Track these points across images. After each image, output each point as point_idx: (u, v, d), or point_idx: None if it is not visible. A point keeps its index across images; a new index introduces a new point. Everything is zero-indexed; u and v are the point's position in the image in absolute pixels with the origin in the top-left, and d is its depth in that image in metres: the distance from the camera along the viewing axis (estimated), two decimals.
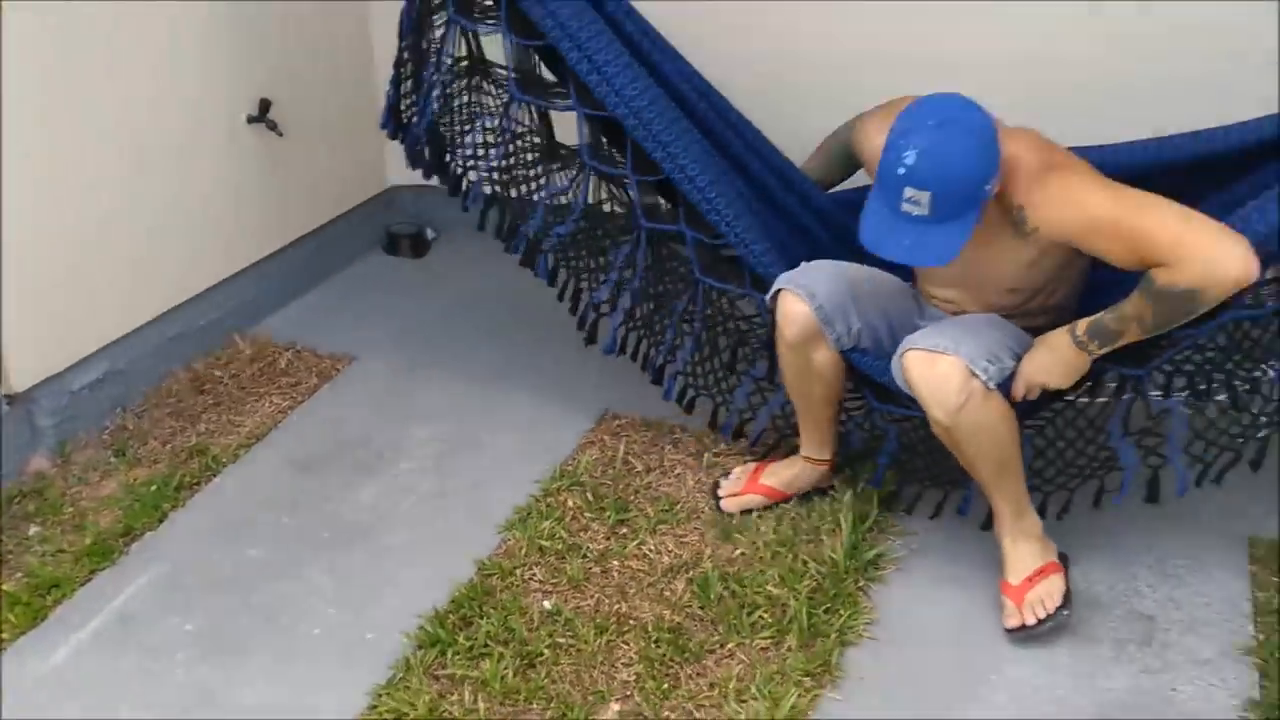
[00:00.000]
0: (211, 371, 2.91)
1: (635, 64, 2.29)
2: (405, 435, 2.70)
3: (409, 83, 2.59)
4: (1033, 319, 2.14)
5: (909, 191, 1.87)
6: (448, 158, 2.63)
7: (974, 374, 1.95)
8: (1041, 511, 2.21)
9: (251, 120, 2.98)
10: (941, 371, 1.96)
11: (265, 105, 2.99)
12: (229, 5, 2.85)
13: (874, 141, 2.08)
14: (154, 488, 2.49)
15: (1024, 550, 2.13)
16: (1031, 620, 2.08)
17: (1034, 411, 2.16)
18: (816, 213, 2.51)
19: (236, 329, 3.05)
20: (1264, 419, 2.04)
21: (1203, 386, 2.03)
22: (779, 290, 2.19)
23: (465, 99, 2.55)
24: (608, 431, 2.68)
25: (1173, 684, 2.00)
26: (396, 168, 3.54)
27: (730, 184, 2.34)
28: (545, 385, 2.86)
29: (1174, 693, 1.99)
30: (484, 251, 3.00)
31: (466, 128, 2.58)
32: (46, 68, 2.43)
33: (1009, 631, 2.09)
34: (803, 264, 2.24)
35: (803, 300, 2.15)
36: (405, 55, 2.58)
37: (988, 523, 2.23)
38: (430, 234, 3.59)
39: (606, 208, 2.47)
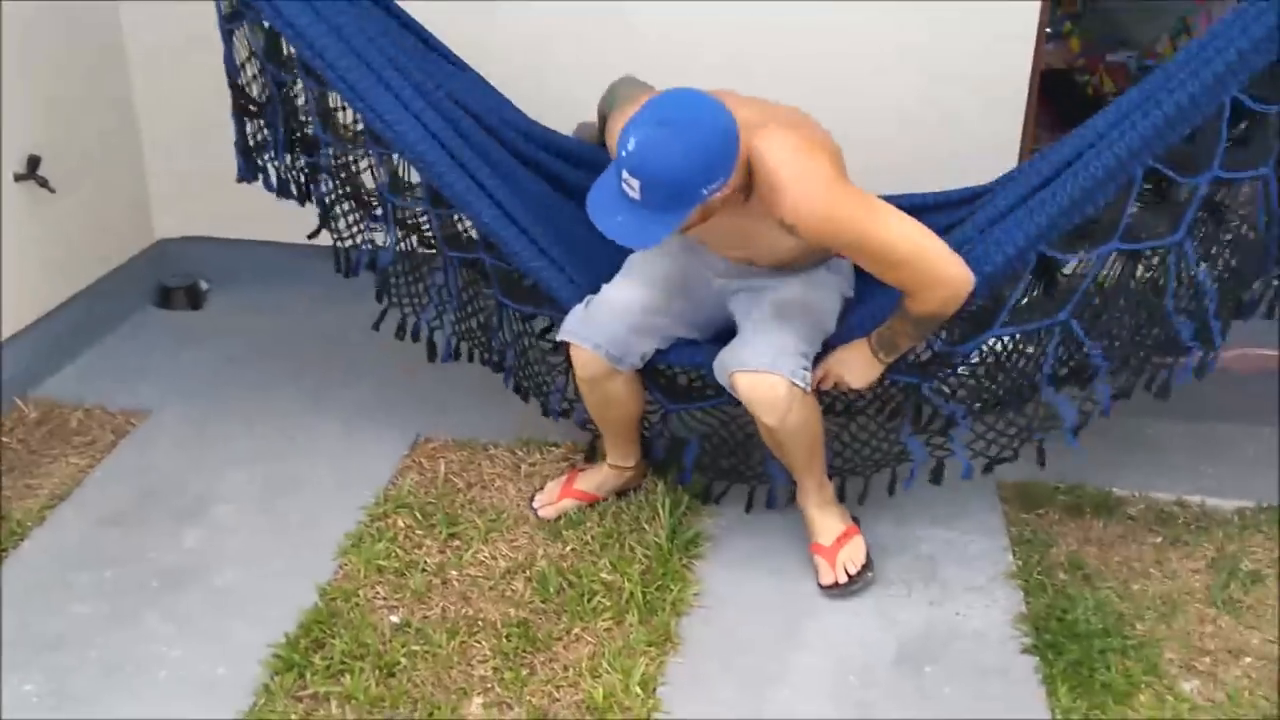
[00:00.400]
0: None
1: (411, 94, 2.42)
2: (219, 480, 2.70)
3: (256, 123, 2.65)
4: (822, 266, 2.35)
5: (625, 174, 1.93)
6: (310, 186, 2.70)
7: (794, 384, 2.19)
8: (841, 494, 2.50)
9: (19, 178, 2.90)
10: (768, 387, 2.18)
11: (34, 162, 2.92)
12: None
13: (617, 127, 2.13)
14: None
15: (830, 515, 2.42)
16: (844, 578, 2.35)
17: (833, 407, 2.45)
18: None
19: (17, 394, 2.94)
20: (1036, 424, 2.40)
21: (977, 403, 2.39)
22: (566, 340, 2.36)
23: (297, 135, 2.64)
24: (424, 455, 2.78)
25: (955, 610, 2.33)
26: (163, 221, 3.54)
27: (522, 203, 2.47)
28: (352, 417, 2.93)
29: (958, 617, 2.31)
30: (261, 298, 3.06)
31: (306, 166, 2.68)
32: None
33: (824, 588, 2.36)
34: (589, 300, 2.36)
35: (586, 349, 2.33)
36: (241, 99, 2.63)
37: (770, 501, 2.52)
38: (204, 285, 3.57)
39: (416, 239, 2.59)
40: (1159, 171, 2.14)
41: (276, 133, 2.62)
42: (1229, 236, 2.29)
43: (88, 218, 3.22)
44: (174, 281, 3.53)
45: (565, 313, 2.40)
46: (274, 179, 2.71)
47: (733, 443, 2.56)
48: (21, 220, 2.95)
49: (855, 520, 2.47)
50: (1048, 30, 5.35)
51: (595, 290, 2.39)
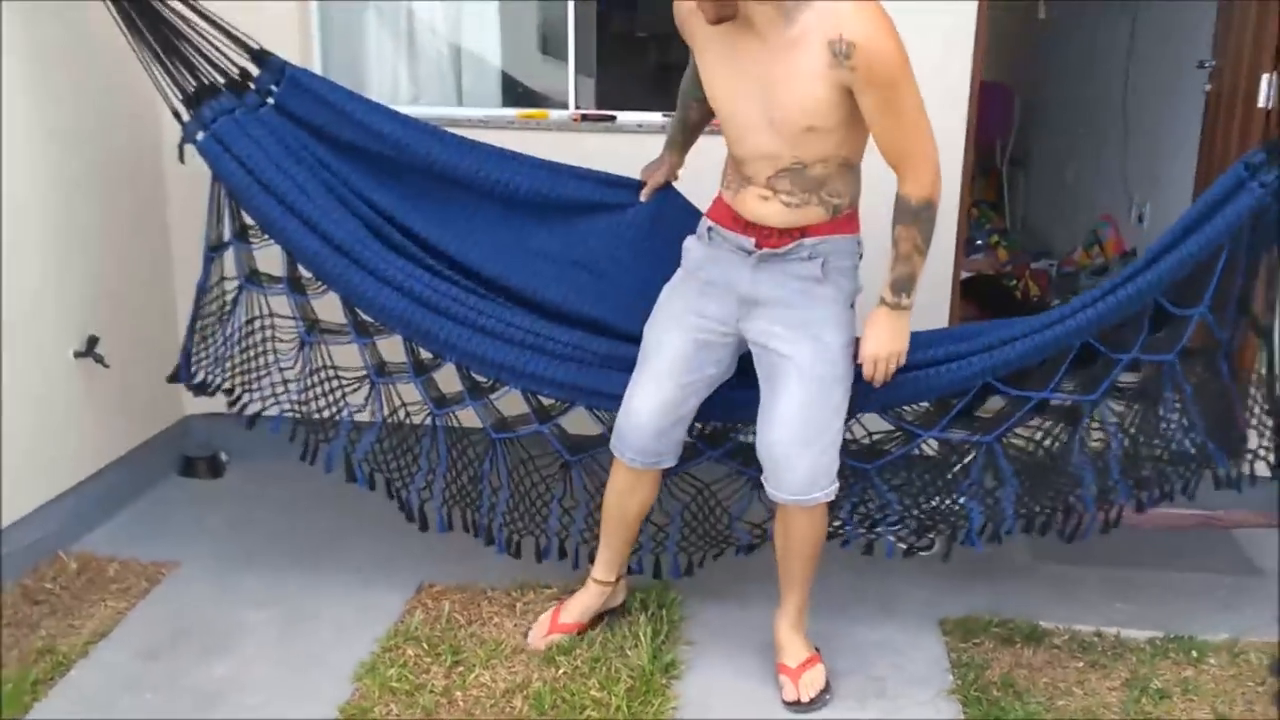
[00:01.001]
0: (42, 585, 3.12)
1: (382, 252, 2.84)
2: (243, 619, 3.01)
3: (210, 336, 3.11)
4: (819, 192, 2.45)
5: None
6: (245, 396, 3.12)
7: (826, 500, 2.57)
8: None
9: (79, 355, 3.32)
10: (807, 512, 2.59)
11: (93, 341, 3.34)
12: (58, 249, 3.23)
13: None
14: (9, 686, 2.67)
15: (798, 642, 2.77)
16: (806, 698, 2.68)
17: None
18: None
19: (60, 547, 3.26)
20: (950, 521, 2.85)
21: (908, 497, 2.84)
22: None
23: (259, 338, 3.09)
24: (429, 597, 3.11)
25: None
26: (190, 399, 3.93)
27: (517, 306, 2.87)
28: (363, 566, 3.26)
29: None
30: (277, 469, 3.44)
31: (263, 366, 3.11)
32: None
33: (787, 704, 2.68)
34: (626, 405, 2.65)
35: (627, 464, 2.70)
36: (200, 311, 3.10)
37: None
38: (224, 456, 3.94)
39: (402, 413, 3.01)
40: (1092, 345, 2.66)
41: (231, 345, 3.07)
42: (1138, 409, 2.79)
43: (126, 394, 3.61)
44: (197, 452, 3.90)
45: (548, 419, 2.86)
46: (205, 383, 3.14)
47: (706, 510, 2.96)
48: (73, 394, 3.34)
49: (817, 649, 2.81)
50: (978, 242, 6.05)
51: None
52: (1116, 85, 5.52)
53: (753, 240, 2.52)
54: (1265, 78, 3.50)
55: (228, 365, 3.12)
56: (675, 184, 3.02)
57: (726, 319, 2.60)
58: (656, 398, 2.62)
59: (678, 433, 2.69)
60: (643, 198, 2.97)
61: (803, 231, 2.49)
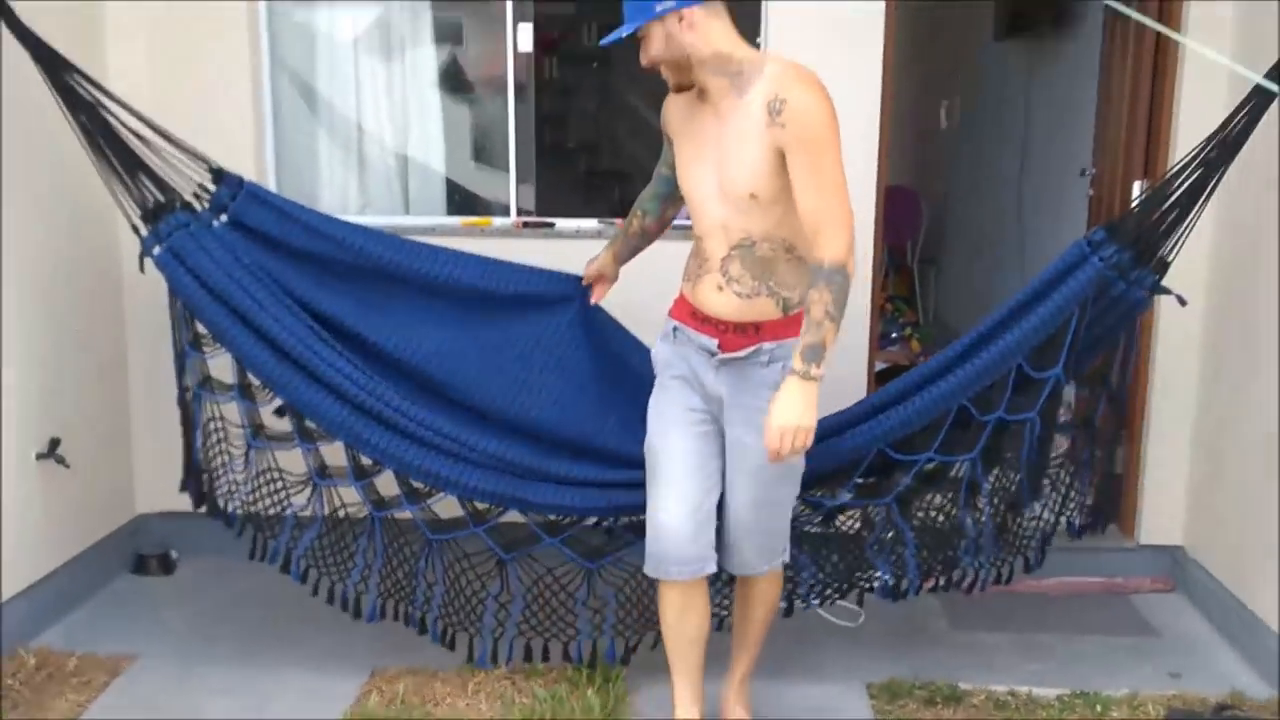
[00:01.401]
0: (2, 681, 3.19)
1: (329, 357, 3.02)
2: (203, 706, 3.12)
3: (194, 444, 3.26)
4: (768, 281, 2.57)
5: None
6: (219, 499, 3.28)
7: (782, 568, 2.84)
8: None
9: (40, 457, 3.44)
10: (768, 583, 2.87)
11: (55, 443, 3.47)
12: (20, 353, 3.38)
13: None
14: None
15: (742, 705, 2.99)
16: None
17: None
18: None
19: (18, 644, 3.35)
20: (859, 578, 3.12)
21: (819, 554, 3.12)
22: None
23: (214, 440, 3.24)
24: (383, 681, 3.25)
25: None
26: (143, 498, 4.06)
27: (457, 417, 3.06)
28: (318, 655, 3.39)
29: None
30: (226, 565, 3.61)
31: (219, 467, 3.26)
32: None
33: None
34: (653, 522, 2.72)
35: (674, 580, 2.74)
36: (189, 420, 3.25)
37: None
38: (174, 554, 4.04)
39: (343, 513, 3.18)
40: (966, 408, 2.93)
41: (202, 453, 3.23)
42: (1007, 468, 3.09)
43: (81, 494, 3.72)
44: (149, 550, 4.00)
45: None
46: (198, 495, 3.29)
47: (640, 592, 3.14)
48: (31, 494, 3.46)
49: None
50: (893, 334, 6.40)
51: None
52: (1012, 188, 5.96)
53: (716, 341, 2.63)
54: (1137, 184, 3.90)
55: (201, 472, 3.27)
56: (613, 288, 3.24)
57: (711, 409, 2.72)
58: (682, 503, 2.68)
59: (708, 533, 2.72)
60: (591, 295, 3.17)
61: (758, 329, 2.59)
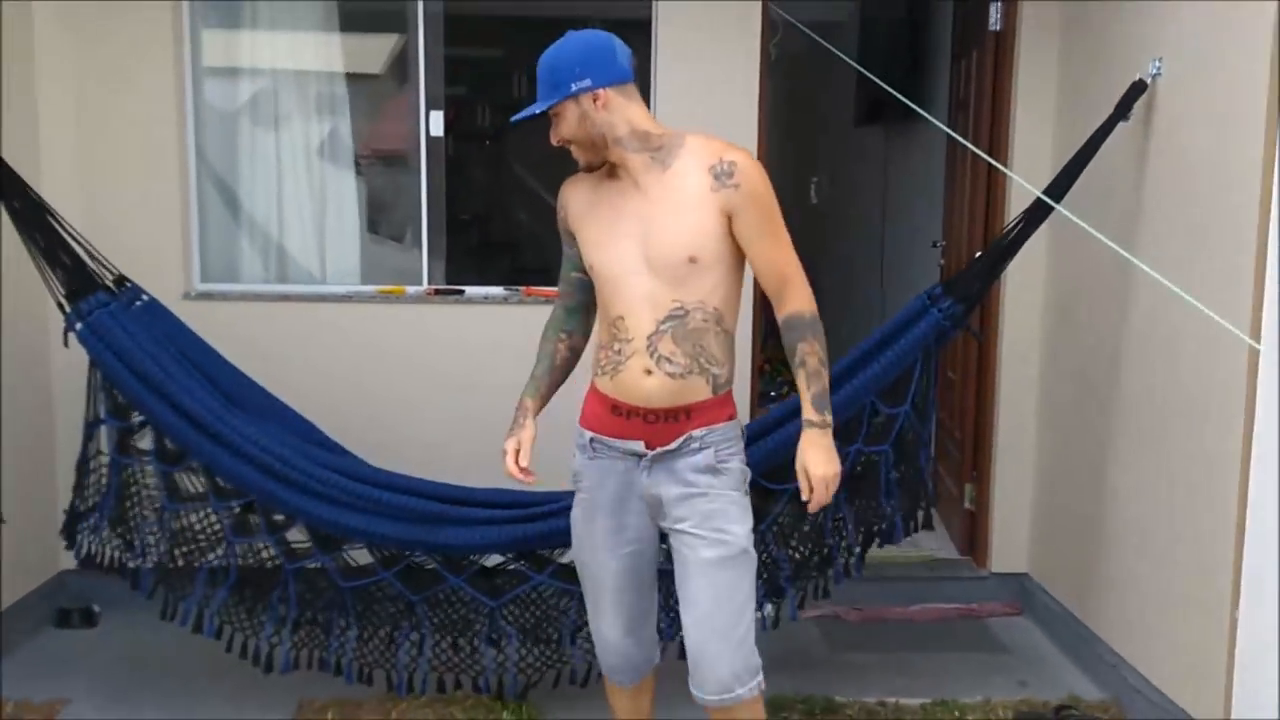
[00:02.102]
0: None
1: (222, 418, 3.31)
2: None
3: (89, 503, 3.49)
4: (699, 358, 2.50)
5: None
6: (122, 557, 3.50)
7: (757, 693, 2.62)
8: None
9: None
10: (743, 708, 2.61)
11: None
12: None
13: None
14: None
15: None
16: None
17: None
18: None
19: None
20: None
21: None
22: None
23: (130, 503, 3.47)
24: (310, 712, 3.50)
25: None
26: (65, 554, 4.22)
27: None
28: (242, 692, 3.60)
29: None
30: (147, 618, 3.81)
31: (133, 530, 3.48)
32: None
33: None
34: (598, 636, 2.77)
35: (627, 686, 2.82)
36: (84, 483, 3.50)
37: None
38: (96, 608, 4.21)
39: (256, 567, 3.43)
40: None
41: (103, 515, 3.47)
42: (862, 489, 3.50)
43: (9, 552, 3.88)
44: (70, 604, 4.17)
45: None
46: (83, 550, 3.52)
47: (542, 628, 3.42)
48: None
49: None
50: (772, 394, 6.87)
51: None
52: (875, 258, 6.53)
53: (642, 443, 2.56)
54: (979, 253, 4.44)
55: (104, 534, 3.50)
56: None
57: (644, 524, 2.66)
58: (619, 620, 2.72)
59: (649, 630, 2.80)
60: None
61: (688, 414, 2.53)
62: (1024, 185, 3.54)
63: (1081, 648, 3.92)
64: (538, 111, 2.48)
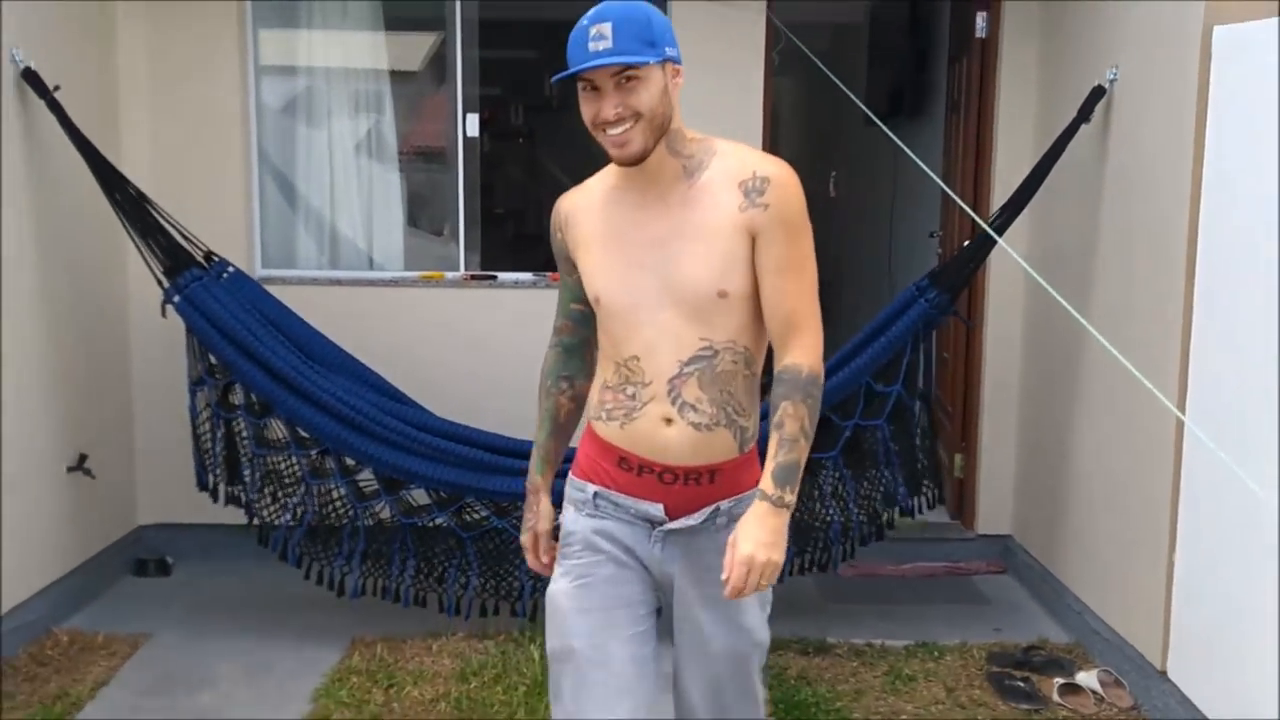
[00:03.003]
0: (44, 652, 3.86)
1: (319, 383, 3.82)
2: (213, 667, 3.82)
3: (206, 452, 4.01)
4: (727, 407, 2.11)
5: (594, 30, 1.95)
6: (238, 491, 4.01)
7: None
8: None
9: (70, 469, 4.13)
10: None
11: (83, 457, 4.16)
12: (48, 386, 4.07)
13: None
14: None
15: None
16: None
17: None
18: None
19: (52, 625, 4.01)
20: None
21: None
22: None
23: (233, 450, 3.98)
24: (362, 645, 3.98)
25: None
26: (143, 511, 4.74)
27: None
28: (303, 630, 4.08)
29: None
30: (215, 568, 4.33)
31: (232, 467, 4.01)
32: None
33: None
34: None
35: None
36: (199, 435, 4.00)
37: None
38: (170, 559, 4.72)
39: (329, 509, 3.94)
40: (828, 416, 3.78)
41: (216, 461, 3.97)
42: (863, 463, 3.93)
43: (96, 507, 4.39)
44: (148, 555, 4.67)
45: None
46: (216, 494, 4.04)
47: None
48: (60, 504, 4.14)
49: None
50: None
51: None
52: (884, 249, 6.93)
53: (661, 507, 2.14)
54: (968, 243, 4.84)
55: (220, 475, 4.00)
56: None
57: (650, 600, 2.23)
58: (634, 712, 2.15)
59: (657, 695, 2.23)
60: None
61: (713, 477, 2.13)
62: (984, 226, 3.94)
63: (1052, 598, 4.33)
64: (632, 62, 1.97)
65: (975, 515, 4.91)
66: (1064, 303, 3.00)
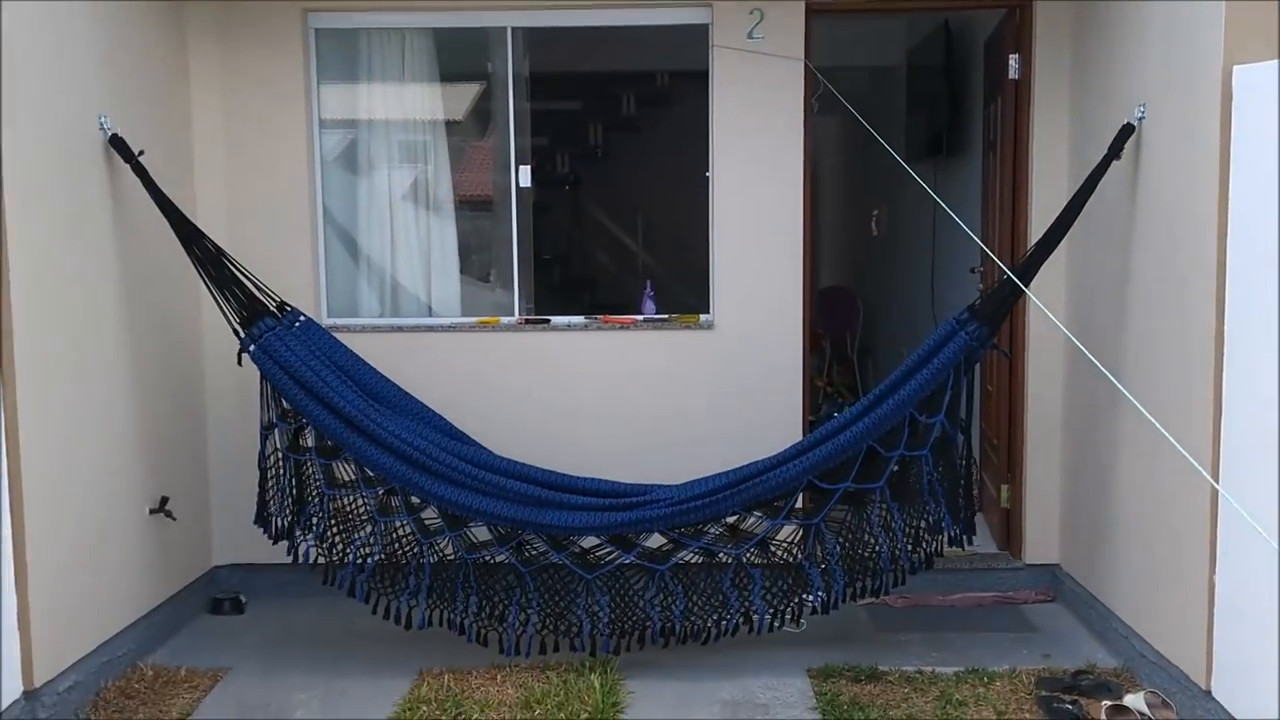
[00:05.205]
0: (131, 684, 4.07)
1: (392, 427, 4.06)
2: (290, 698, 4.01)
3: (271, 493, 4.23)
4: None
5: None
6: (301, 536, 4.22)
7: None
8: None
9: (153, 511, 4.35)
10: None
11: (164, 500, 4.39)
12: (135, 432, 4.31)
13: None
14: None
15: None
16: None
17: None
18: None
19: (138, 659, 4.22)
20: (799, 588, 4.04)
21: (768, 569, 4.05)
22: None
23: (301, 491, 4.20)
24: (429, 677, 4.15)
25: None
26: (218, 552, 4.96)
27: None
28: (373, 663, 4.26)
29: None
30: (286, 606, 4.49)
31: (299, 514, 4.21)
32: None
33: None
34: None
35: None
36: (265, 476, 4.22)
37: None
38: (243, 598, 4.92)
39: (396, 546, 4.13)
40: (874, 448, 3.93)
41: (284, 500, 4.18)
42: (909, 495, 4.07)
43: (174, 548, 4.61)
44: (222, 594, 4.88)
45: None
46: (273, 531, 4.24)
47: (626, 596, 4.06)
48: (144, 545, 4.36)
49: None
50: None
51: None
52: (926, 285, 7.06)
53: None
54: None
55: (286, 515, 4.21)
56: None
57: None
58: None
59: None
60: None
61: None
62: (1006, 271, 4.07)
63: (1100, 624, 4.41)
64: None
65: (1023, 545, 5.00)
66: (1096, 361, 3.15)
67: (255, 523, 4.28)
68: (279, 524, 4.22)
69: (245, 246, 4.50)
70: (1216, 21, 3.39)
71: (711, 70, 4.91)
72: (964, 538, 4.17)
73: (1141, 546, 4.02)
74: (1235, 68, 3.32)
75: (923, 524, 4.08)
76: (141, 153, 4.10)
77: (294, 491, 4.17)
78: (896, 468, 4.02)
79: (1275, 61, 3.21)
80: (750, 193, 4.91)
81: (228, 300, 4.12)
